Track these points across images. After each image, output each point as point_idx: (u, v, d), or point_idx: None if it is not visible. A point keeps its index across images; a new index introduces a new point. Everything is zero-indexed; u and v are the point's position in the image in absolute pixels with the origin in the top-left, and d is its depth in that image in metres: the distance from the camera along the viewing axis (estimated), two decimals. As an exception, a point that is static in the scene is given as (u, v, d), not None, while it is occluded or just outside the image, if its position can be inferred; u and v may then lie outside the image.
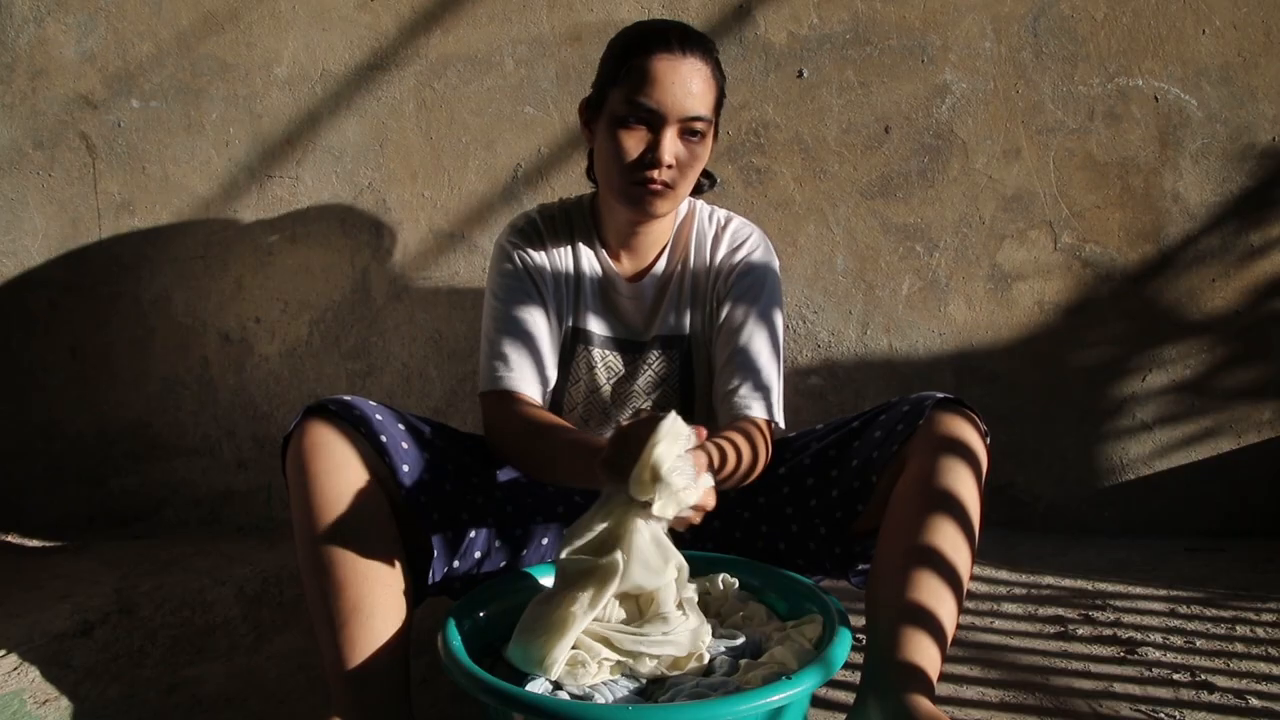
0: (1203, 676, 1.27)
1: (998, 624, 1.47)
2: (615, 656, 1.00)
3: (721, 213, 1.41)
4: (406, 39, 1.89)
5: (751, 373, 1.27)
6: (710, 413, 1.36)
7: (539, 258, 1.33)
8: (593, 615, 0.98)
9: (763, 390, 1.27)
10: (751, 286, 1.33)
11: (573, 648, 0.98)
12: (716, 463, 1.10)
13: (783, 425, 1.30)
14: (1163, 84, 1.78)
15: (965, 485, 1.10)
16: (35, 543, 1.95)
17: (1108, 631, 1.42)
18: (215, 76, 1.92)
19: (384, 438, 1.13)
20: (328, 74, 1.91)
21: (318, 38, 1.90)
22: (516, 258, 1.33)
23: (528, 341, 1.29)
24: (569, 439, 1.14)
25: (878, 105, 1.83)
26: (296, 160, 1.93)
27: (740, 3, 1.83)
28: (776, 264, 1.39)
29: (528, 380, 1.27)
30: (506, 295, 1.31)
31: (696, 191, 1.40)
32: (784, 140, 1.85)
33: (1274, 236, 1.78)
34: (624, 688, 0.98)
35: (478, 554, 1.24)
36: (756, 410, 1.25)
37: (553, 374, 1.32)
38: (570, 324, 1.35)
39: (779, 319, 1.34)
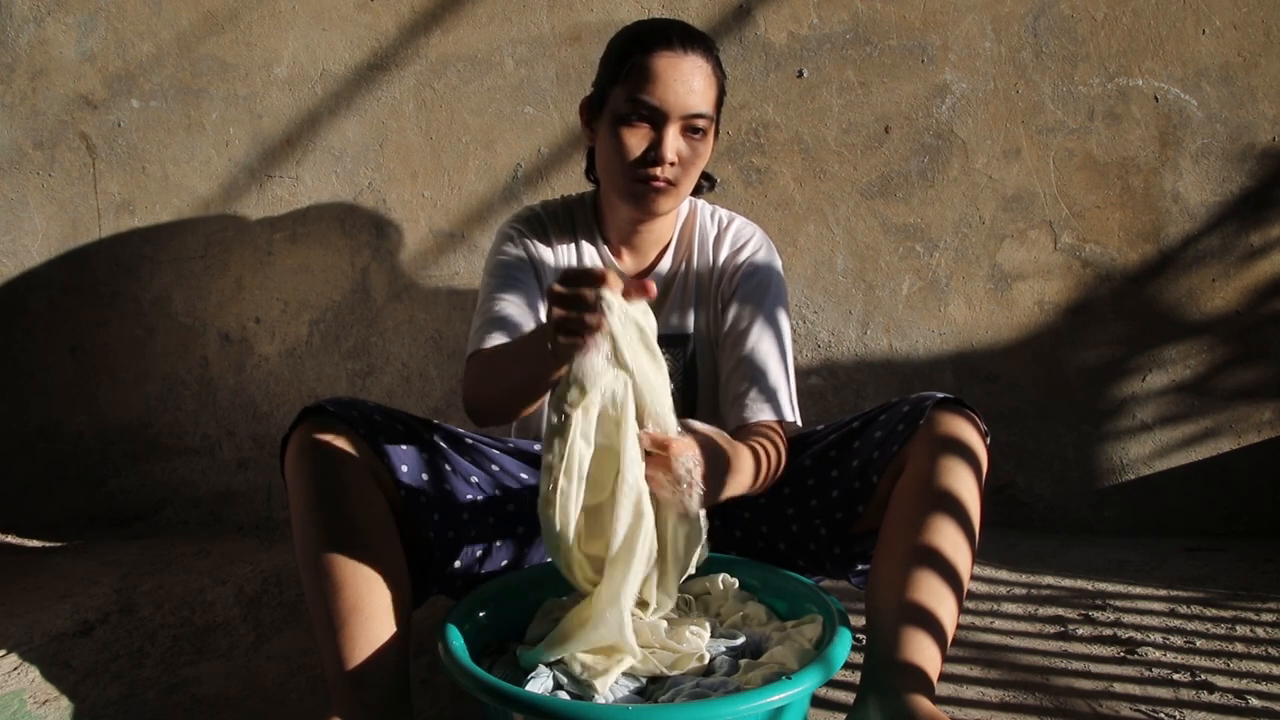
0: (1203, 676, 1.27)
1: (998, 624, 1.46)
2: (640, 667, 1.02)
3: (723, 212, 1.41)
4: (406, 39, 1.89)
5: (759, 377, 1.27)
6: (714, 412, 1.36)
7: (541, 249, 1.33)
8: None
9: (770, 393, 1.26)
10: (756, 288, 1.33)
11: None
12: (753, 468, 1.11)
13: (799, 421, 1.29)
14: (1163, 84, 1.78)
15: (965, 485, 1.10)
16: (35, 543, 1.95)
17: (1108, 631, 1.42)
18: (215, 76, 1.92)
19: (382, 438, 1.13)
20: (328, 74, 1.91)
21: (318, 38, 1.90)
22: (519, 243, 1.33)
23: (520, 310, 1.27)
24: (523, 337, 1.13)
25: (878, 105, 1.83)
26: (296, 160, 1.93)
27: (740, 3, 1.83)
28: (780, 264, 1.39)
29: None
30: (503, 273, 1.30)
31: (696, 192, 1.40)
32: (784, 140, 1.85)
33: (1274, 236, 1.78)
34: (624, 687, 0.98)
35: (479, 553, 1.24)
36: (765, 414, 1.24)
37: None
38: (569, 321, 1.35)
39: (784, 319, 1.34)
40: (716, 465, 1.02)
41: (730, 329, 1.32)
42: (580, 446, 0.95)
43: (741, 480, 1.08)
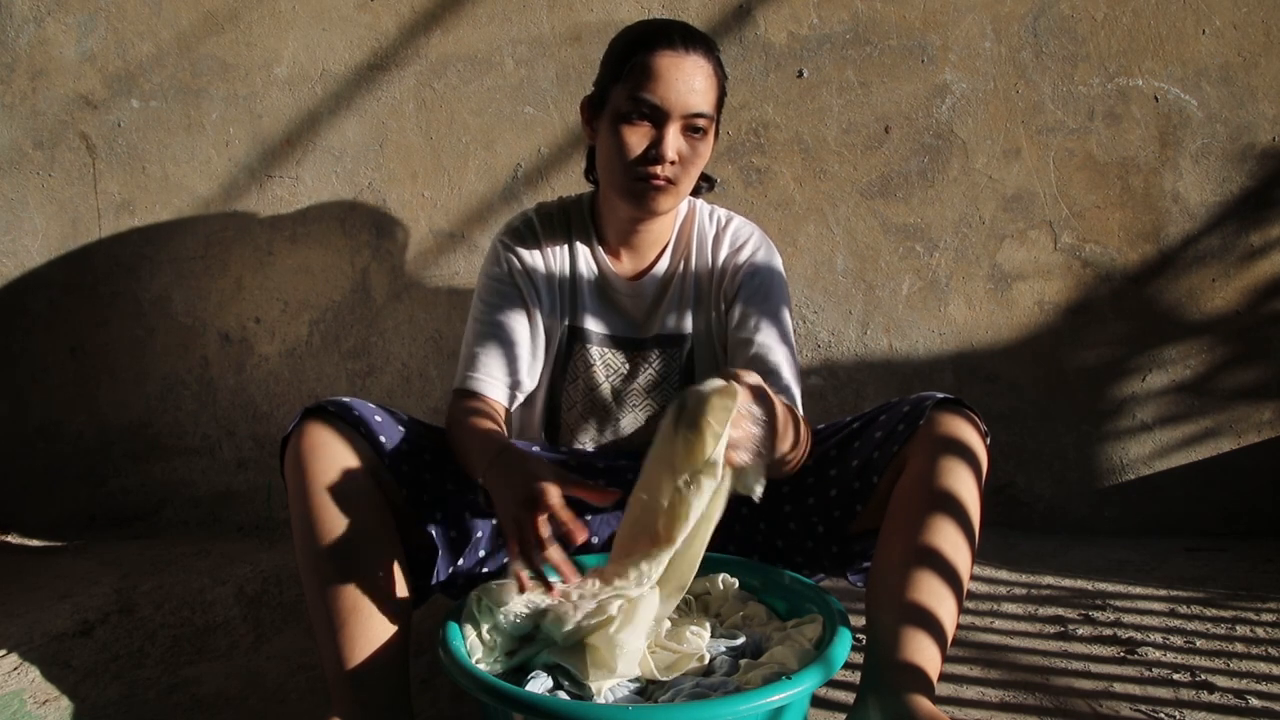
0: (1203, 676, 1.27)
1: (998, 624, 1.47)
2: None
3: (722, 212, 1.41)
4: (406, 39, 1.89)
5: (770, 380, 1.26)
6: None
7: (531, 259, 1.34)
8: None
9: (784, 393, 1.26)
10: (759, 290, 1.33)
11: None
12: (796, 439, 1.07)
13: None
14: (1163, 84, 1.78)
15: (965, 485, 1.10)
16: (35, 543, 1.95)
17: (1108, 631, 1.42)
18: (215, 76, 1.92)
19: (383, 438, 1.13)
20: (328, 74, 1.91)
21: (318, 38, 1.90)
22: (505, 261, 1.33)
23: (503, 347, 1.30)
24: (480, 433, 1.17)
25: (878, 105, 1.83)
26: (296, 160, 1.93)
27: (740, 3, 1.83)
28: (780, 262, 1.39)
29: (493, 384, 1.28)
30: (490, 298, 1.33)
31: (695, 194, 1.40)
32: (784, 140, 1.85)
33: (1274, 236, 1.78)
34: (624, 688, 0.98)
35: (480, 553, 1.24)
36: None
37: (529, 380, 1.33)
38: (566, 323, 1.35)
39: (788, 319, 1.34)
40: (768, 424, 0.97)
41: (736, 332, 1.32)
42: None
43: (786, 442, 1.04)
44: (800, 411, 1.28)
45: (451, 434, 1.23)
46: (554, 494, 0.96)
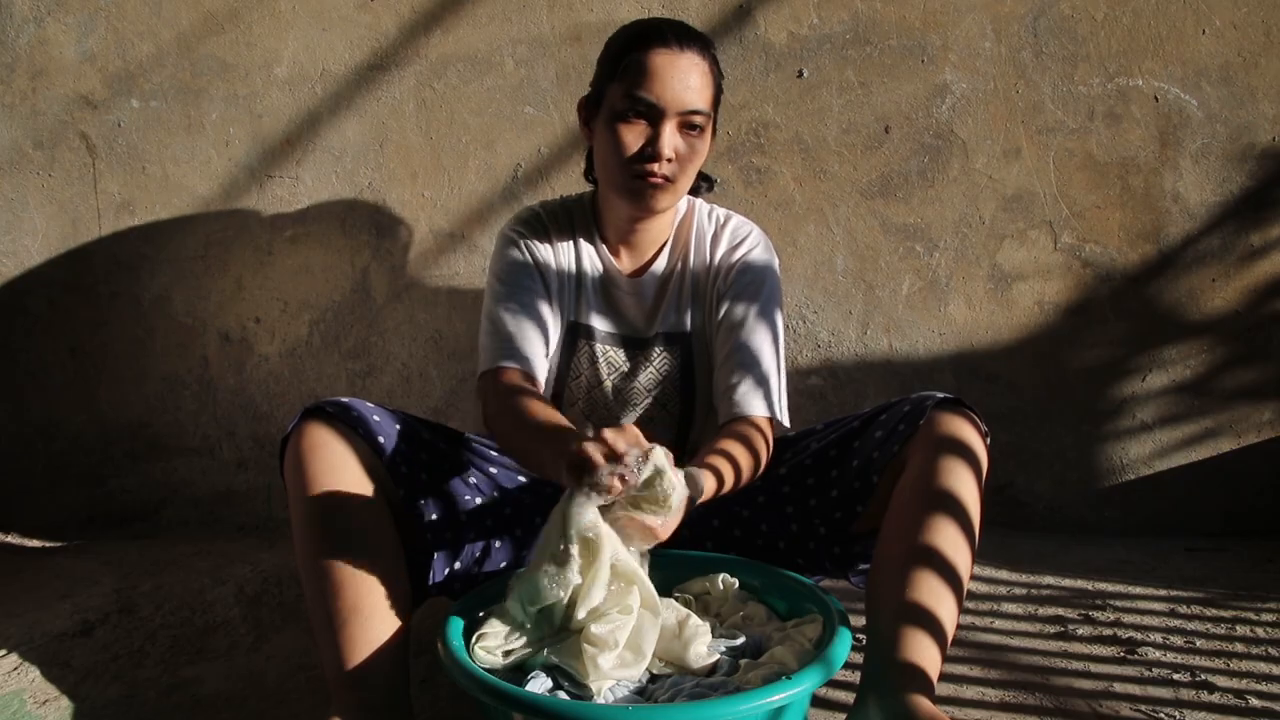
0: (1203, 676, 1.27)
1: (998, 624, 1.46)
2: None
3: (721, 211, 1.42)
4: (406, 39, 1.89)
5: (751, 369, 1.27)
6: (710, 410, 1.36)
7: (543, 250, 1.34)
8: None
9: (762, 387, 1.27)
10: (751, 283, 1.33)
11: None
12: (715, 486, 1.09)
13: (786, 422, 1.30)
14: (1163, 84, 1.78)
15: (965, 485, 1.11)
16: (35, 543, 1.95)
17: (1108, 631, 1.42)
18: (215, 76, 1.92)
19: (382, 439, 1.13)
20: (328, 74, 1.91)
21: (318, 38, 1.90)
22: (522, 246, 1.33)
23: (532, 324, 1.28)
24: (546, 433, 1.11)
25: (878, 105, 1.83)
26: (296, 160, 1.93)
27: (740, 3, 1.83)
28: (776, 262, 1.39)
29: (533, 359, 1.26)
30: (512, 279, 1.31)
31: (695, 193, 1.40)
32: (784, 140, 1.85)
33: (1274, 236, 1.78)
34: (624, 687, 0.98)
35: (477, 554, 1.24)
36: (756, 408, 1.25)
37: (552, 362, 1.32)
38: (571, 319, 1.35)
39: (779, 316, 1.34)
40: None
41: (724, 322, 1.32)
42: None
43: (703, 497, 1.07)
44: (778, 414, 1.27)
45: (508, 422, 1.17)
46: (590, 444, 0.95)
